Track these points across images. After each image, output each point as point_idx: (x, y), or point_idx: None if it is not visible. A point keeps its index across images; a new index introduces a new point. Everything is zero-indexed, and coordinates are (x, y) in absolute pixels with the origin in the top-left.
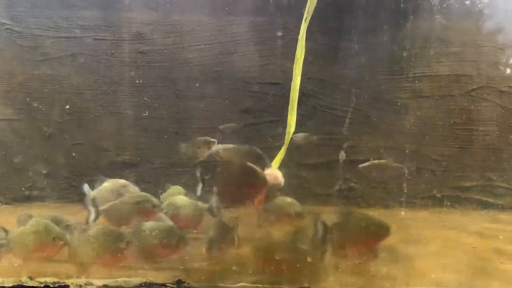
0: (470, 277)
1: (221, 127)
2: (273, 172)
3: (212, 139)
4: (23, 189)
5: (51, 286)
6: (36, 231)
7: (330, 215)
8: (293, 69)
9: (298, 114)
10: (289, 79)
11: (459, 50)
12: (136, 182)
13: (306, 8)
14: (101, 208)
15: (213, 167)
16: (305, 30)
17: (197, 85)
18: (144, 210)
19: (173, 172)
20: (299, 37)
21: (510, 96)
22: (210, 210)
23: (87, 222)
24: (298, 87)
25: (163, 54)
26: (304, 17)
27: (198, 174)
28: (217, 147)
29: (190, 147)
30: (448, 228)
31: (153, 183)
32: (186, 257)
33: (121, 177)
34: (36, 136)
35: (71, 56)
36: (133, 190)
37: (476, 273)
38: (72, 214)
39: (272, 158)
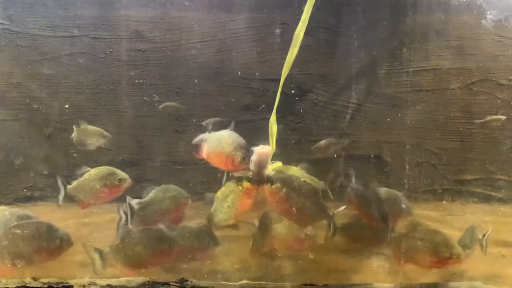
0: (471, 270)
1: (203, 122)
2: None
3: (106, 133)
4: (24, 190)
5: (55, 286)
6: (100, 177)
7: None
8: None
9: (298, 109)
10: (289, 76)
11: (459, 44)
12: (137, 181)
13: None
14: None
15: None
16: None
17: (196, 82)
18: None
19: (174, 170)
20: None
21: (509, 88)
22: None
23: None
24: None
25: (161, 52)
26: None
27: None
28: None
29: (80, 134)
30: (449, 221)
31: (154, 181)
32: (189, 256)
33: None
34: (36, 136)
35: (69, 56)
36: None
37: (478, 266)
38: (73, 215)
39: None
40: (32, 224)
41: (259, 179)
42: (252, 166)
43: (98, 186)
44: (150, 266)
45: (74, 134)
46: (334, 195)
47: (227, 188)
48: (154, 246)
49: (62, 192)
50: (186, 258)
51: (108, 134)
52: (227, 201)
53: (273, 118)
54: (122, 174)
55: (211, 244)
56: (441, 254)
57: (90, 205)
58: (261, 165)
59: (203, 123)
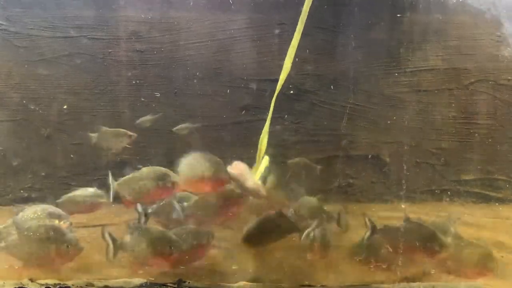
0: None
1: (137, 121)
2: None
3: (130, 133)
4: (21, 191)
5: (52, 287)
6: (152, 177)
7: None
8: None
9: (296, 110)
10: (287, 76)
11: (457, 44)
12: None
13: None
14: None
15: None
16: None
17: (195, 82)
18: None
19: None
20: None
21: (508, 89)
22: None
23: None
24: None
25: (160, 52)
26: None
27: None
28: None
29: (102, 138)
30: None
31: None
32: (187, 257)
33: (120, 176)
34: (34, 137)
35: (67, 56)
36: None
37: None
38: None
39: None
40: (41, 227)
41: (245, 191)
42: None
43: (148, 186)
44: (151, 266)
45: (95, 140)
46: (333, 194)
47: None
48: (156, 247)
49: (112, 189)
50: (188, 258)
51: (133, 133)
52: None
53: (265, 131)
54: (175, 176)
55: (211, 239)
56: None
57: (134, 205)
58: (239, 182)
59: (174, 130)
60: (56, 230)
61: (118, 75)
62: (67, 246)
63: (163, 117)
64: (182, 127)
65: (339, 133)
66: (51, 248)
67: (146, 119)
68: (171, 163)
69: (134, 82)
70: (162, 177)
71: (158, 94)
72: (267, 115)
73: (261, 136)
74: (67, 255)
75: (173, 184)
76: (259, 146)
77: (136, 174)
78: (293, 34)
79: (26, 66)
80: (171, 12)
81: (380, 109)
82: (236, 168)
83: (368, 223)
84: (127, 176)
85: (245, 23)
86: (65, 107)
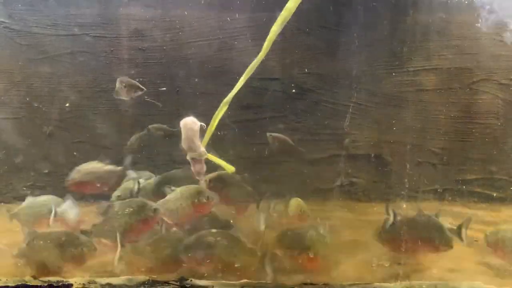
0: (471, 269)
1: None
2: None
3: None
4: (24, 188)
5: (55, 285)
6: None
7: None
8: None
9: (299, 109)
10: (289, 75)
11: (459, 43)
12: None
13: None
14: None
15: None
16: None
17: (196, 81)
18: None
19: (175, 169)
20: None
21: (510, 88)
22: None
23: None
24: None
25: (162, 50)
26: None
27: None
28: None
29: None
30: (449, 221)
31: None
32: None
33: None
34: (36, 135)
35: (70, 54)
36: None
37: (478, 265)
38: None
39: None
40: (54, 233)
41: (191, 152)
42: (182, 143)
43: (184, 205)
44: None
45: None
46: (335, 193)
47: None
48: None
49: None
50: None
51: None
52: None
53: (226, 102)
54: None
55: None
56: None
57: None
58: (188, 138)
59: (147, 128)
60: (69, 235)
61: (120, 73)
62: (82, 249)
63: (162, 116)
64: (133, 138)
65: (341, 132)
66: (66, 253)
67: (133, 140)
68: (173, 161)
69: (136, 80)
70: (197, 195)
71: (164, 88)
72: (268, 114)
73: (221, 105)
74: (82, 257)
75: (208, 198)
76: (214, 115)
77: (172, 195)
78: (295, 34)
79: (28, 64)
80: (173, 11)
81: (383, 108)
82: (189, 122)
83: (391, 212)
84: (163, 199)
85: (246, 22)
86: (67, 105)
